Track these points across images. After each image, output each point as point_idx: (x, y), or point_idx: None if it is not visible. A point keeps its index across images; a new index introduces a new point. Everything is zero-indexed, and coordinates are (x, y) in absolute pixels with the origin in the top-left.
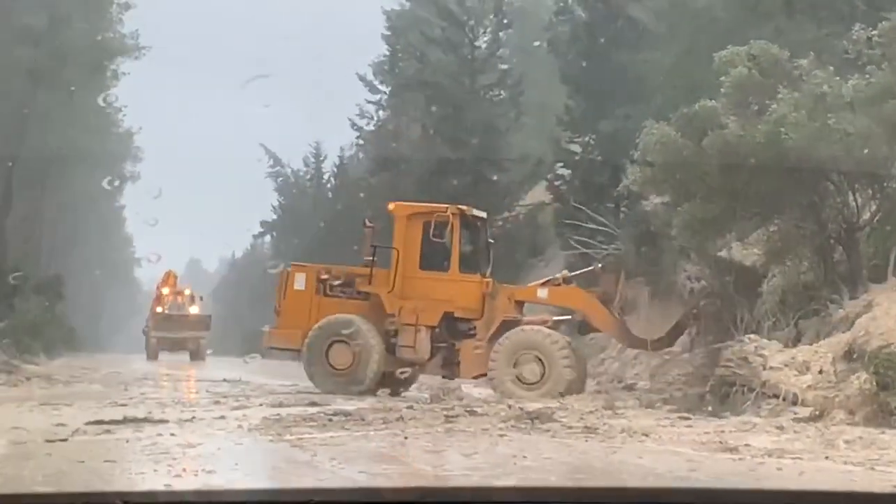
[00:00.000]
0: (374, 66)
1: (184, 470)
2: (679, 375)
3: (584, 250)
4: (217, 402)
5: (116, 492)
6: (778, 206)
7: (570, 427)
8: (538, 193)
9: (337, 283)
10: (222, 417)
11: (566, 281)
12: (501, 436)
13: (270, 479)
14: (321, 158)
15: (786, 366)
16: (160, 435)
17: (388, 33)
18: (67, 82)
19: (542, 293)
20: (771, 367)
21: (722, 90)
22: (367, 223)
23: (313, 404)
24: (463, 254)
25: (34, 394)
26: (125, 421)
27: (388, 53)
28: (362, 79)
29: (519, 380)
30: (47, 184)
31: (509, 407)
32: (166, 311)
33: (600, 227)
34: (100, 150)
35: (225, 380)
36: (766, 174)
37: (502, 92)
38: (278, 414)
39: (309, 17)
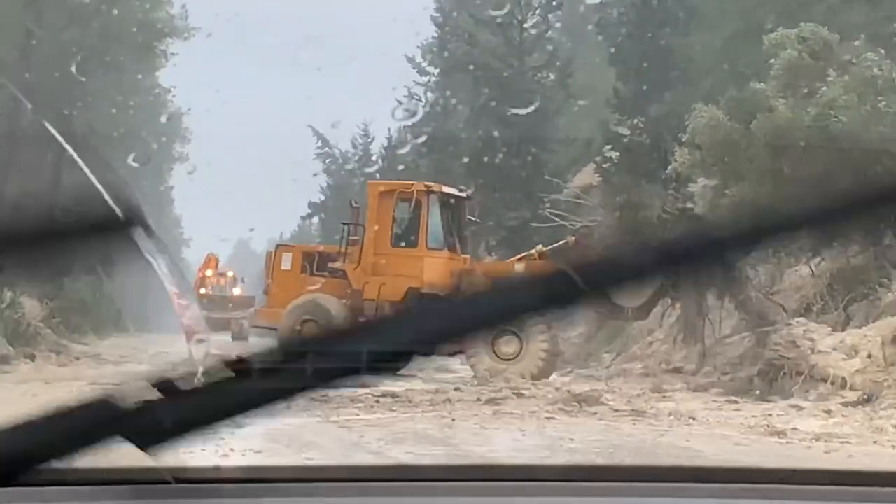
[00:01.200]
0: (422, 48)
1: (231, 450)
2: (727, 359)
3: (561, 222)
4: None
5: (168, 468)
6: (827, 189)
7: (618, 410)
8: (586, 175)
9: (319, 261)
10: None
11: (542, 255)
12: (549, 418)
13: (318, 459)
14: (369, 140)
15: (834, 349)
16: None
17: (437, 15)
18: (116, 63)
19: (518, 268)
20: (819, 351)
21: (771, 73)
22: (353, 203)
23: (361, 385)
24: (432, 230)
25: (83, 374)
26: None
27: (436, 35)
28: (411, 60)
29: (497, 355)
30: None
31: (556, 390)
32: (209, 293)
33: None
34: (148, 131)
35: None
36: (815, 157)
37: (551, 74)
38: (326, 395)
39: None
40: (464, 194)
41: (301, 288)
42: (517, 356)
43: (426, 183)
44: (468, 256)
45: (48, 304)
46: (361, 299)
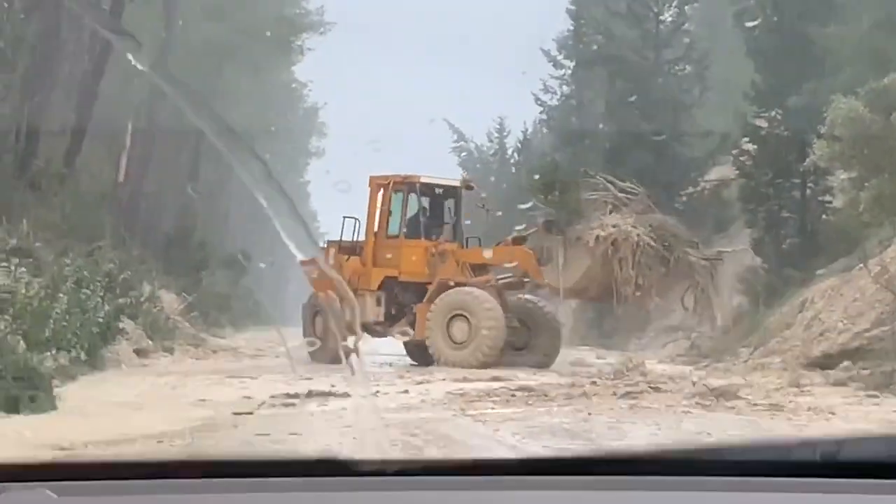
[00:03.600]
0: (558, 41)
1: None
2: (866, 352)
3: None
4: (401, 377)
5: (313, 460)
6: None
7: (756, 404)
8: (723, 169)
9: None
10: (405, 392)
11: (515, 241)
12: (685, 412)
13: (453, 453)
14: (505, 133)
15: None
16: (344, 409)
17: (573, 7)
18: (253, 58)
19: (487, 254)
20: None
21: None
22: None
23: (496, 379)
24: (411, 220)
25: (221, 367)
26: (310, 394)
27: (572, 28)
28: (546, 54)
29: (451, 340)
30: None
31: (693, 383)
32: None
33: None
34: (284, 126)
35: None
36: None
37: (687, 66)
38: (461, 389)
39: None
40: (456, 184)
41: None
42: (465, 342)
43: (404, 174)
44: (436, 244)
45: (186, 297)
46: (351, 289)
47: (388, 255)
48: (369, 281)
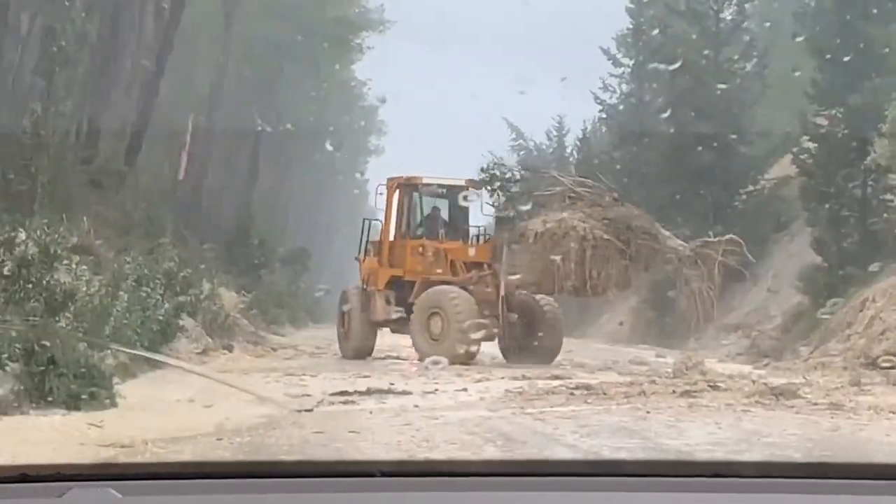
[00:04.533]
0: (617, 40)
1: (426, 441)
2: None
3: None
4: (459, 375)
5: (375, 461)
6: None
7: (816, 403)
8: (783, 167)
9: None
10: (464, 390)
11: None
12: (745, 411)
13: (513, 451)
14: (564, 132)
15: None
16: (403, 407)
17: (632, 6)
18: (313, 57)
19: (471, 251)
20: None
21: None
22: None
23: (555, 378)
24: (414, 219)
25: (280, 364)
26: (369, 392)
27: (631, 26)
28: (605, 52)
29: (430, 336)
30: (292, 157)
31: (753, 382)
32: None
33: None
34: (344, 124)
35: None
36: None
37: (747, 64)
38: (520, 387)
39: None
40: (460, 183)
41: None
42: (440, 337)
43: (410, 175)
44: (427, 242)
45: (246, 295)
46: (366, 288)
47: (397, 255)
48: (377, 280)
